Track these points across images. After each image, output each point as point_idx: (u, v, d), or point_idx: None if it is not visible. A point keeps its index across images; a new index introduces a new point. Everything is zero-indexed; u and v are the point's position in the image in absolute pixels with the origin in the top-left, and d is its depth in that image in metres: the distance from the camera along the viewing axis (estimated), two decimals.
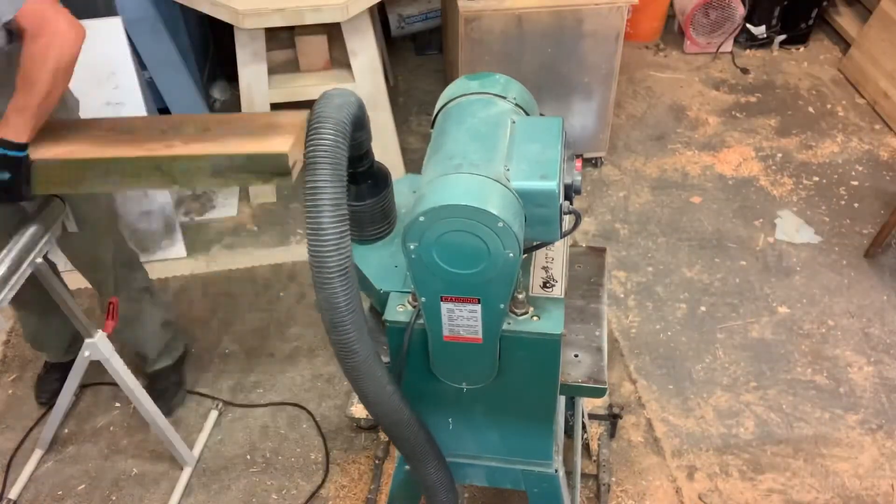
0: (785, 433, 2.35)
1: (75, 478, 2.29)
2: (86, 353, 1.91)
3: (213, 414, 2.43)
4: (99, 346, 1.90)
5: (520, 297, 1.19)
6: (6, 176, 1.53)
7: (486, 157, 1.08)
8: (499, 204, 1.03)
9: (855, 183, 3.29)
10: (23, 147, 1.54)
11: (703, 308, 2.75)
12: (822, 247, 2.99)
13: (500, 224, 1.02)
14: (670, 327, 2.68)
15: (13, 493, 2.21)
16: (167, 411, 2.33)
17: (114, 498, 2.24)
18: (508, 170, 1.08)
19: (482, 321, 1.16)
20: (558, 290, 1.25)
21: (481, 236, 1.04)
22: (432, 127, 1.20)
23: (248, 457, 2.34)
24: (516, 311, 1.20)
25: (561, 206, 1.10)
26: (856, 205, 3.18)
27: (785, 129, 3.61)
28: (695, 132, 3.60)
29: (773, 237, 3.03)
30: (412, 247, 1.08)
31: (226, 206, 3.25)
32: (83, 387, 2.49)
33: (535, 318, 1.20)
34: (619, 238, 3.05)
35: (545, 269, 1.28)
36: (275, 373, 2.57)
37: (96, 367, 1.98)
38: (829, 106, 3.75)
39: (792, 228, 3.07)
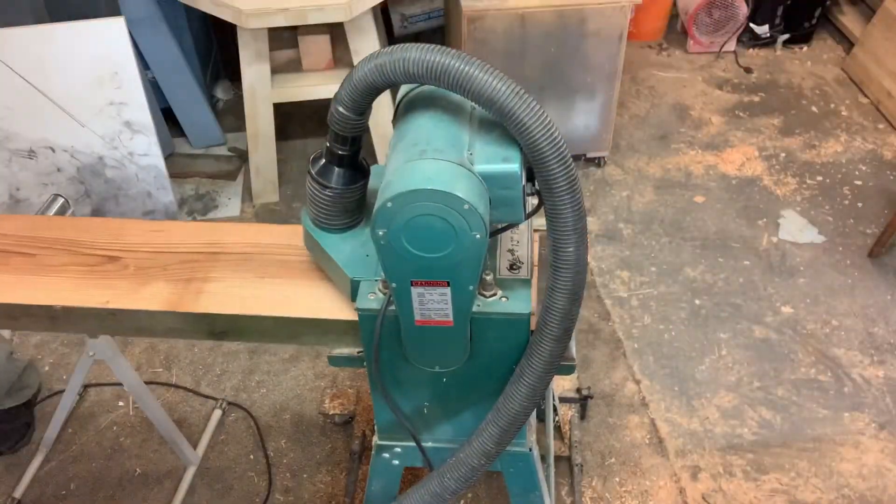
0: (789, 433, 2.35)
1: (79, 477, 2.29)
2: (90, 353, 1.91)
3: (217, 413, 2.43)
4: (103, 345, 1.90)
5: (488, 278, 1.22)
6: None
7: (449, 142, 1.11)
8: (464, 187, 1.06)
9: (859, 182, 3.28)
10: None
11: (706, 308, 2.75)
12: (826, 247, 2.98)
13: (466, 206, 1.05)
14: (674, 327, 2.68)
15: (17, 493, 2.22)
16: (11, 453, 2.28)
17: (117, 497, 2.24)
18: (472, 154, 1.11)
19: (452, 304, 1.19)
20: (525, 272, 1.28)
21: (448, 219, 1.07)
22: (394, 117, 1.22)
23: (252, 456, 2.34)
24: (485, 292, 1.23)
25: (524, 187, 1.13)
26: (859, 204, 3.17)
27: (788, 128, 3.60)
28: (698, 132, 3.60)
29: (776, 237, 3.03)
30: (381, 233, 1.10)
31: (228, 206, 3.25)
32: (86, 387, 2.50)
33: (503, 299, 1.23)
34: (623, 238, 3.05)
35: (511, 251, 1.32)
36: (278, 372, 2.57)
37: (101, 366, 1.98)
38: (832, 105, 3.74)
39: (795, 228, 3.07)
